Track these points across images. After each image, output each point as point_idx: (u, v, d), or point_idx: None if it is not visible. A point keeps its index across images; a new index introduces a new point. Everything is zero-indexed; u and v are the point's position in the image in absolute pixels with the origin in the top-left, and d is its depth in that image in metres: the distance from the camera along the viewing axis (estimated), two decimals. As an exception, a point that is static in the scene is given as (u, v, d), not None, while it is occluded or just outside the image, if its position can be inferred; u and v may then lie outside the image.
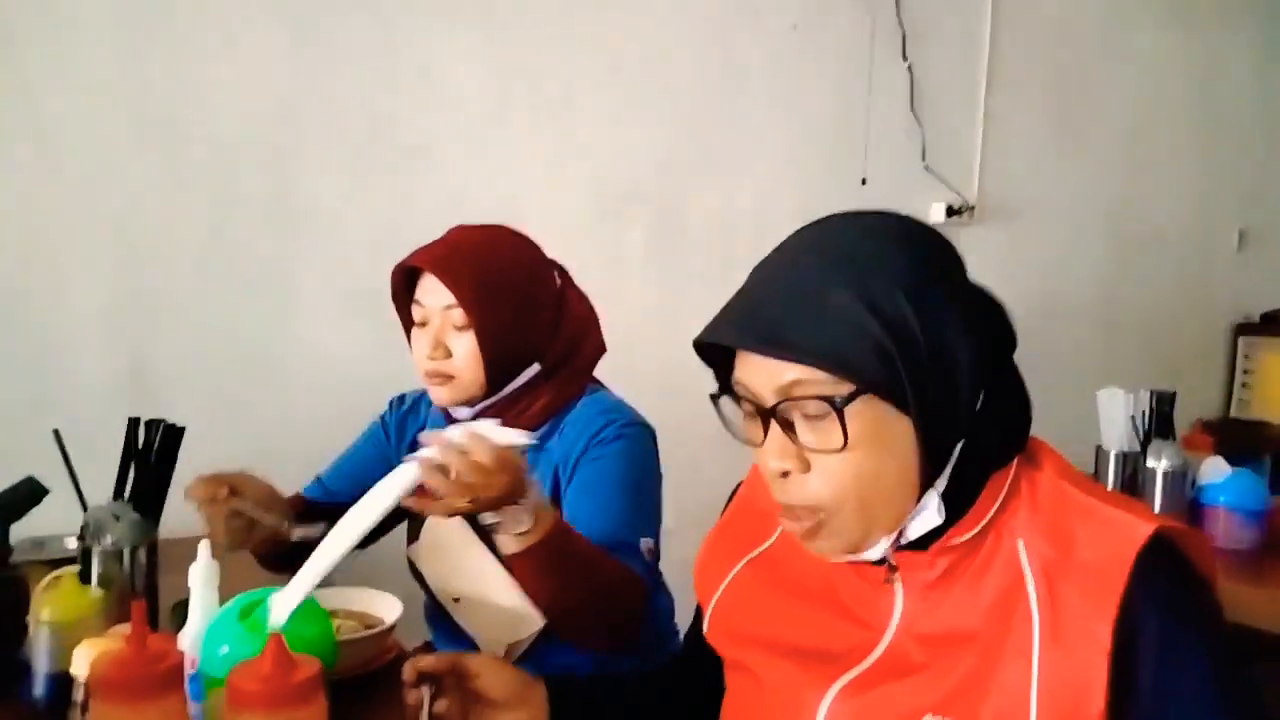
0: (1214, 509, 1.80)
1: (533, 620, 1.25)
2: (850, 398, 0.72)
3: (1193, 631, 0.72)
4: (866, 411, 0.73)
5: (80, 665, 0.99)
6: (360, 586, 1.27)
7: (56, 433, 1.18)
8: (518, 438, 1.04)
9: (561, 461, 1.30)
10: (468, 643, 1.32)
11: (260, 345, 1.94)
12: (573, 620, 1.19)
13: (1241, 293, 3.54)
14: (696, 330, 0.78)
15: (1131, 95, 3.17)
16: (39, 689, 1.05)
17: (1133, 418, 1.96)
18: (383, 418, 1.49)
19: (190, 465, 1.20)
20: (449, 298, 1.26)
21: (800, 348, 0.72)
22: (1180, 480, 1.86)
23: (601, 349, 1.40)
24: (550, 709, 0.92)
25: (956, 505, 0.77)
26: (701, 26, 2.38)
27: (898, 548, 0.79)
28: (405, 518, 1.33)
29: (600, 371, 1.42)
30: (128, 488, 1.18)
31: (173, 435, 1.19)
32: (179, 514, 1.21)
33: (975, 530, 0.77)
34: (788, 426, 0.76)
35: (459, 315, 1.26)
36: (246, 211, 1.92)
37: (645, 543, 1.26)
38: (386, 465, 1.43)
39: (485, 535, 1.32)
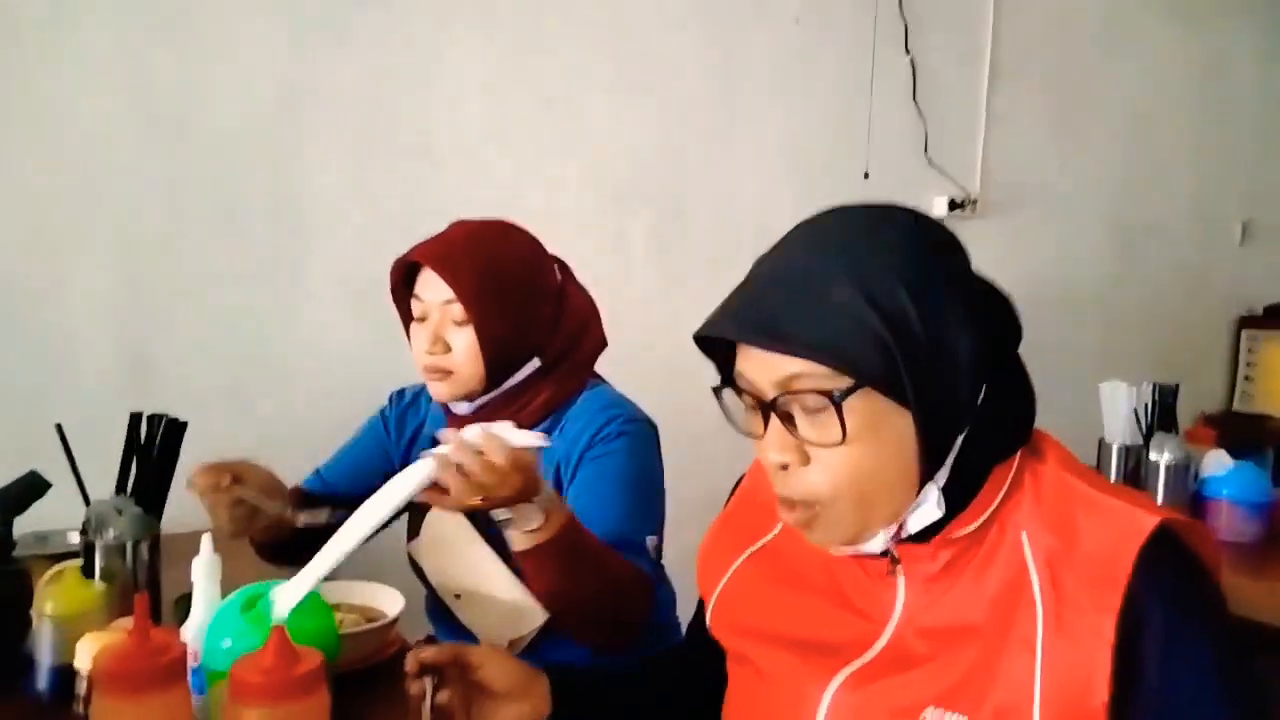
0: (1216, 502, 1.80)
1: (534, 616, 1.25)
2: (848, 392, 0.72)
3: (1197, 623, 0.72)
4: (865, 406, 0.73)
5: (83, 659, 0.99)
6: (363, 579, 1.27)
7: (59, 427, 1.18)
8: (533, 440, 1.04)
9: (563, 459, 1.29)
10: (469, 638, 1.32)
11: (263, 340, 1.94)
12: (580, 618, 1.19)
13: (1244, 285, 3.53)
14: (698, 323, 0.78)
15: (1134, 87, 3.16)
16: (42, 683, 1.05)
17: (1135, 411, 1.96)
18: (383, 412, 1.49)
19: (192, 459, 1.20)
20: (448, 293, 1.25)
21: (799, 341, 0.72)
22: (1183, 473, 1.86)
23: (602, 344, 1.39)
24: (553, 700, 0.92)
25: (959, 497, 0.77)
26: (703, 19, 2.37)
27: (899, 540, 0.79)
28: (405, 511, 1.33)
29: (602, 366, 1.41)
30: (130, 482, 1.18)
31: (175, 429, 1.19)
32: (181, 508, 1.21)
33: (978, 523, 0.77)
34: (787, 419, 0.76)
35: (458, 310, 1.25)
36: (249, 206, 1.91)
37: (650, 541, 1.26)
38: (386, 459, 1.44)
39: (485, 531, 1.32)
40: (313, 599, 0.95)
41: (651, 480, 1.32)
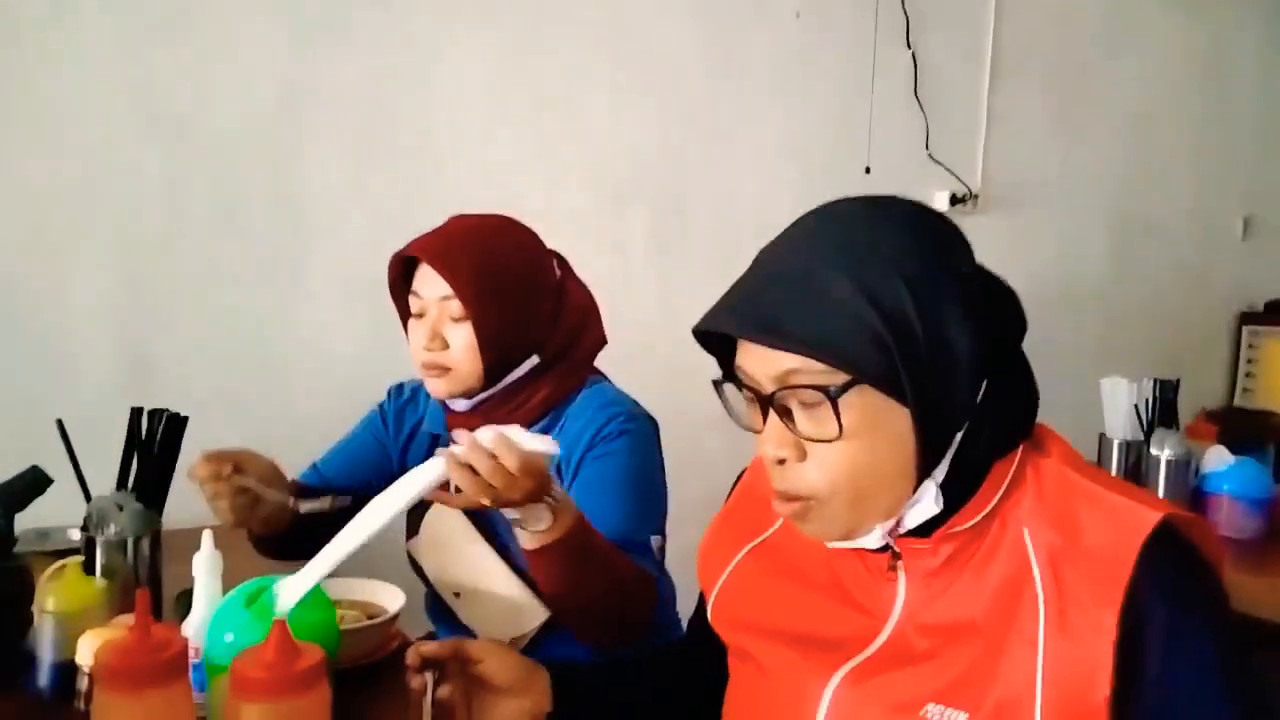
0: (1217, 498, 1.80)
1: (534, 614, 1.25)
2: (845, 388, 0.72)
3: (1198, 619, 0.72)
4: (863, 402, 0.73)
5: (84, 655, 0.99)
6: (363, 577, 1.27)
7: (60, 423, 1.18)
8: (546, 446, 1.03)
9: (564, 457, 1.28)
10: (469, 637, 1.31)
11: (263, 336, 1.94)
12: (585, 617, 1.19)
13: (1246, 281, 3.53)
14: (698, 319, 0.77)
15: (1136, 82, 3.16)
16: (43, 679, 1.05)
17: (1136, 406, 1.95)
18: (381, 407, 1.48)
19: (193, 455, 1.20)
20: (446, 288, 1.25)
21: (796, 337, 0.72)
22: (1184, 469, 1.86)
23: (602, 340, 1.38)
24: (553, 695, 0.92)
25: (959, 493, 0.77)
26: (704, 14, 2.37)
27: (899, 535, 0.79)
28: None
29: (601, 365, 1.41)
30: (131, 478, 1.18)
31: (176, 425, 1.19)
32: (182, 504, 1.21)
33: (978, 518, 0.77)
34: (785, 414, 0.76)
35: (456, 306, 1.25)
36: (249, 206, 1.91)
37: (655, 540, 1.26)
38: (383, 454, 1.44)
39: (485, 530, 1.32)
40: (315, 594, 0.95)
41: (653, 478, 1.32)
